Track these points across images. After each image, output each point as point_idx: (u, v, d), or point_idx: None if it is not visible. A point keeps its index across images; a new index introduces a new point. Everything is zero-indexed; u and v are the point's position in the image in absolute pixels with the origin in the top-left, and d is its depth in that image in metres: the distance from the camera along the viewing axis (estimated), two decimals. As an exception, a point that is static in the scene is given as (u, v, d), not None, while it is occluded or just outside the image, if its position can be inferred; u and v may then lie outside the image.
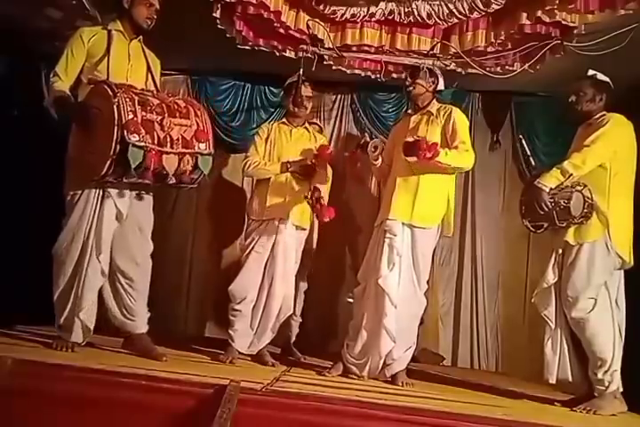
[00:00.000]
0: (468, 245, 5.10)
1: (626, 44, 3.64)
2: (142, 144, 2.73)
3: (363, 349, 3.38)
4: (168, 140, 2.80)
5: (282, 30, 4.15)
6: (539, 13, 3.73)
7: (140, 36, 3.18)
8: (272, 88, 5.09)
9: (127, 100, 2.76)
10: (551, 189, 3.11)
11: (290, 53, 4.40)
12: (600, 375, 3.06)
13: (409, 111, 3.75)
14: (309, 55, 4.32)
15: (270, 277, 3.66)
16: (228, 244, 4.99)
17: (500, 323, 4.99)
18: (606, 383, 3.05)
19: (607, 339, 3.09)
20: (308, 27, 4.10)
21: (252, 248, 3.72)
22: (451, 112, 3.48)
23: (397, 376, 3.38)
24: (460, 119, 3.46)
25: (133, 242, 3.13)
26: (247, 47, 4.33)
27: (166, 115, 2.83)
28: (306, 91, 3.95)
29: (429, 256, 3.48)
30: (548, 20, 3.75)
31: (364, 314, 3.40)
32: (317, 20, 4.14)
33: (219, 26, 4.01)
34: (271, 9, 3.93)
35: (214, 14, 3.87)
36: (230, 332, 3.64)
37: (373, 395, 2.77)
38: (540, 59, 4.08)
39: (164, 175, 2.85)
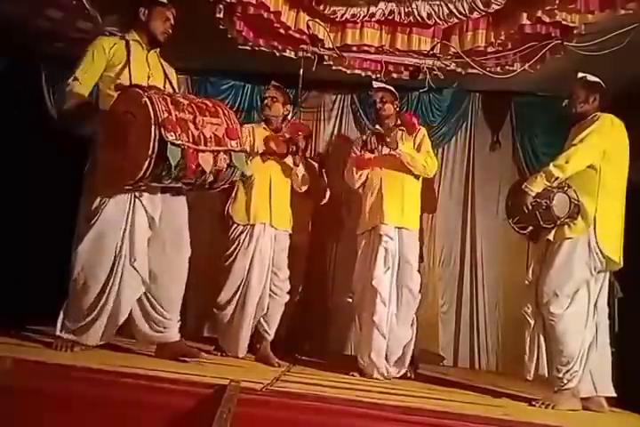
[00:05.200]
0: (469, 246, 5.10)
1: (626, 44, 3.64)
2: (179, 142, 2.69)
3: (372, 351, 3.55)
4: (202, 138, 2.78)
5: (282, 30, 4.16)
6: (539, 13, 3.73)
7: (158, 49, 3.19)
8: (272, 88, 5.09)
9: (160, 99, 2.74)
10: (538, 193, 3.11)
11: (290, 53, 4.41)
12: (561, 374, 3.06)
13: (377, 128, 3.87)
14: (309, 55, 4.33)
15: (248, 281, 3.72)
16: (227, 244, 4.99)
17: (500, 323, 4.99)
18: (565, 381, 3.05)
19: (576, 339, 3.07)
20: (308, 27, 4.11)
21: (236, 256, 3.76)
22: (419, 130, 3.84)
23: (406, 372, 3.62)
24: (427, 136, 3.86)
25: (169, 248, 3.08)
26: (247, 47, 4.34)
27: (197, 114, 2.82)
28: (269, 92, 3.92)
29: (417, 256, 3.75)
30: (548, 20, 3.76)
31: (363, 317, 3.61)
32: (317, 20, 4.14)
33: (221, 26, 4.01)
34: (271, 9, 3.93)
35: (217, 15, 3.88)
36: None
37: (373, 395, 2.77)
38: (540, 59, 4.09)
39: (202, 174, 2.82)
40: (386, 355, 3.56)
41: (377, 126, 3.86)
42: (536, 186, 3.12)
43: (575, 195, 3.11)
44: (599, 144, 3.13)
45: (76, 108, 2.95)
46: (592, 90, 3.26)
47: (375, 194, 3.74)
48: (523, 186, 3.15)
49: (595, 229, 3.09)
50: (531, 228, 3.25)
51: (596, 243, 3.08)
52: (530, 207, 3.11)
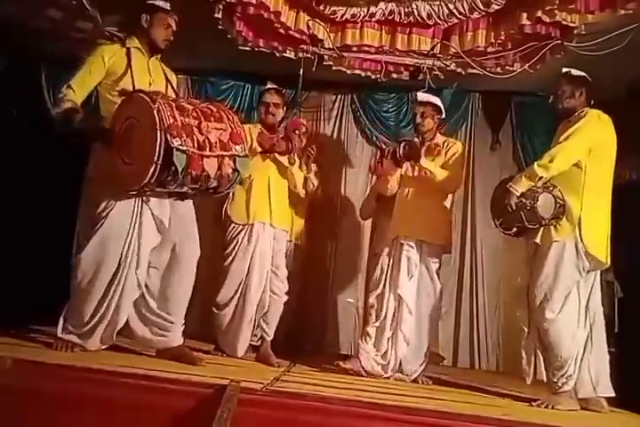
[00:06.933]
0: (469, 245, 5.10)
1: (626, 44, 3.64)
2: (184, 148, 2.68)
3: (386, 352, 3.59)
4: (207, 143, 2.77)
5: (282, 31, 4.16)
6: (539, 13, 3.73)
7: (159, 55, 3.18)
8: (272, 88, 5.10)
9: (166, 105, 2.73)
10: (522, 193, 3.06)
11: (290, 54, 4.41)
12: (556, 378, 3.04)
13: (415, 140, 3.80)
14: (309, 55, 4.33)
15: (248, 280, 3.70)
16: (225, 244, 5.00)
17: (499, 323, 5.00)
18: (560, 384, 3.03)
19: (569, 342, 3.03)
20: (308, 27, 4.11)
21: (235, 255, 3.74)
22: (454, 145, 3.75)
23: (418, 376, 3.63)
24: (460, 153, 3.76)
25: (178, 250, 3.07)
26: (247, 48, 4.34)
27: (202, 119, 2.81)
28: (271, 97, 3.83)
29: (437, 265, 3.70)
30: (548, 20, 3.76)
31: (386, 319, 3.61)
32: (317, 20, 4.15)
33: (220, 26, 4.01)
34: (271, 9, 3.94)
35: (216, 15, 3.88)
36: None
37: (373, 395, 2.76)
38: (540, 59, 4.09)
39: (206, 179, 2.81)
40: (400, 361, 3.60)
41: (415, 139, 3.78)
42: (520, 186, 3.06)
43: (560, 195, 3.05)
44: (584, 142, 3.07)
45: (63, 112, 2.92)
46: (577, 84, 3.18)
47: (403, 204, 3.74)
48: (507, 185, 3.10)
49: (580, 229, 3.03)
50: (515, 229, 3.19)
51: (582, 243, 3.03)
52: (514, 207, 3.06)
